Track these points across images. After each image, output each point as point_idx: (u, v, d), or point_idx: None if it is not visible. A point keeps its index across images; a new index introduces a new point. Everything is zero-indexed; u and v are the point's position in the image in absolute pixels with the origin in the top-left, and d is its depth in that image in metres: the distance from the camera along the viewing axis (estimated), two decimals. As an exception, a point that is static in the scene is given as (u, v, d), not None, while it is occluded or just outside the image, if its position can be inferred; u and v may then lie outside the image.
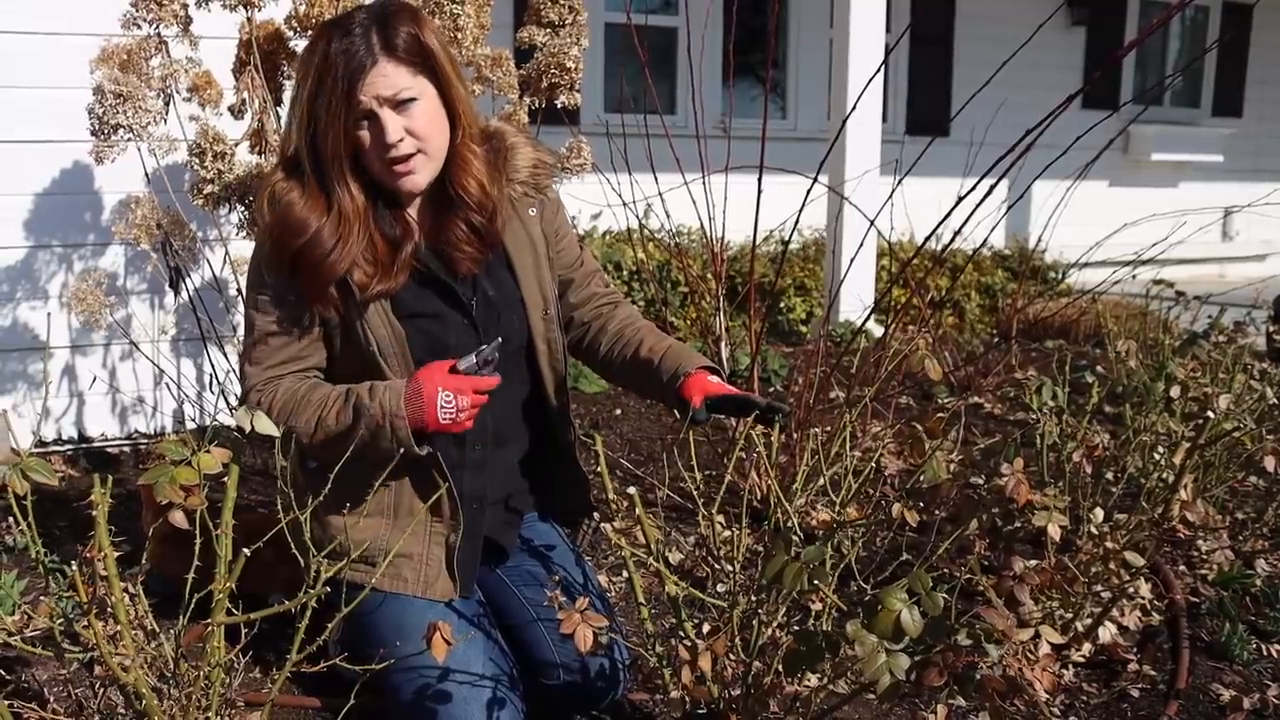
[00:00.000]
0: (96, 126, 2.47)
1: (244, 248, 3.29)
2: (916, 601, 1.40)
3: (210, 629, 1.43)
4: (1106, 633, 2.35)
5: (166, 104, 2.61)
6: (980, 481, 2.85)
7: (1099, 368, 2.88)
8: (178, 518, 1.34)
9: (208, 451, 1.50)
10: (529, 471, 2.07)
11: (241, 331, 3.44)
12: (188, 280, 2.94)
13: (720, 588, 1.83)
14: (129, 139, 2.52)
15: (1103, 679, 2.27)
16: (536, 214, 1.99)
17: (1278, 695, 2.19)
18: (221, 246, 3.13)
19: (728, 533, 1.81)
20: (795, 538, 1.75)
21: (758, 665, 1.72)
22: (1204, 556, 2.81)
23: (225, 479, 1.57)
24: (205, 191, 2.47)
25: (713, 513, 1.82)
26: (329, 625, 1.65)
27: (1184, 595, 2.59)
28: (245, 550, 1.42)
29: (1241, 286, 4.63)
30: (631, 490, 1.61)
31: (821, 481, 3.15)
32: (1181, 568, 2.76)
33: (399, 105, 1.76)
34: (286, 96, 2.81)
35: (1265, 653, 2.36)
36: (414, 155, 1.79)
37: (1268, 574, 2.74)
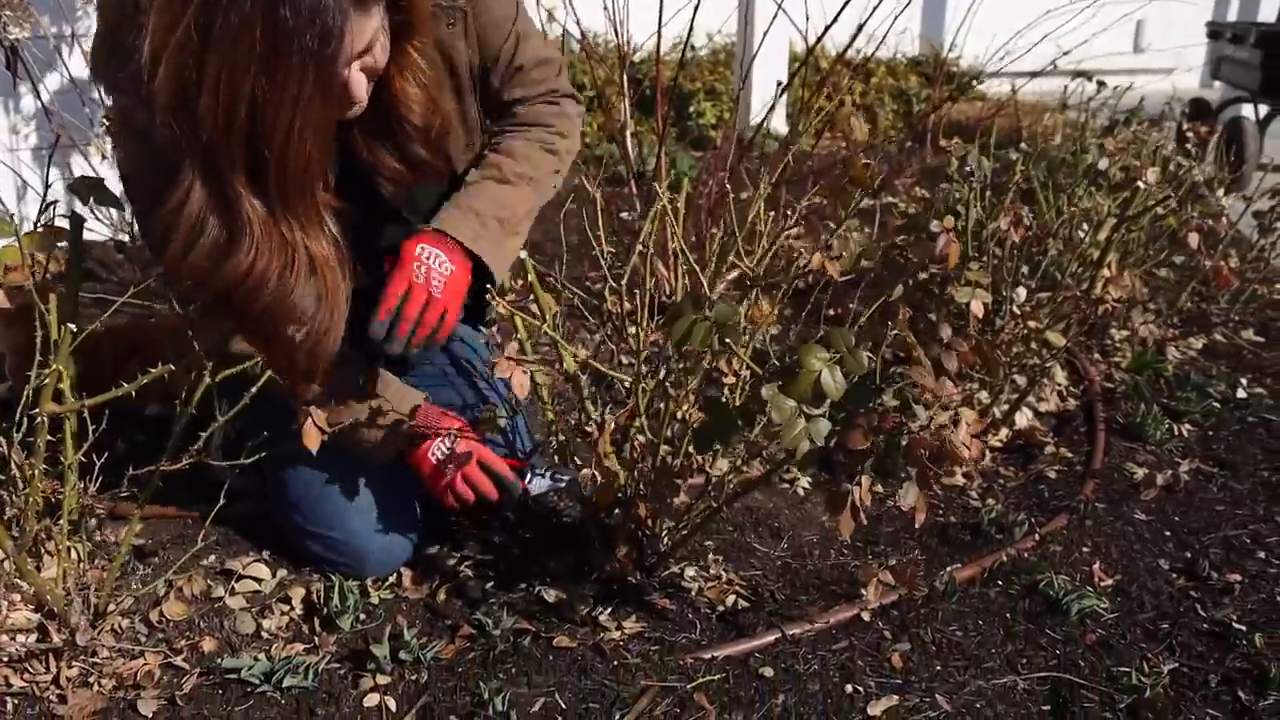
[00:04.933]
0: None
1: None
2: (838, 361, 1.28)
3: (41, 420, 1.24)
4: (1023, 418, 2.31)
5: None
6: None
7: (1023, 145, 2.76)
8: (-2, 297, 1.14)
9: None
10: None
11: (110, 143, 3.14)
12: (42, 86, 2.62)
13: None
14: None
15: (1020, 463, 2.23)
16: (459, 28, 1.54)
17: (1188, 472, 2.17)
18: (76, 44, 2.80)
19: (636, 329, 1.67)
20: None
21: (665, 450, 1.61)
22: (1117, 345, 2.78)
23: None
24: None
25: (620, 285, 1.66)
26: (205, 433, 1.46)
27: (1100, 379, 2.55)
28: (69, 326, 1.22)
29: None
30: (523, 255, 1.44)
31: (734, 275, 3.04)
32: (1096, 356, 2.72)
33: (362, 54, 1.29)
34: None
35: (1176, 432, 2.34)
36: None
37: (1178, 359, 2.73)
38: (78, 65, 2.93)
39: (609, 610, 1.65)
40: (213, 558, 1.64)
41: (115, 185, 2.99)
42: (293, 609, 1.62)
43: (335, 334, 1.41)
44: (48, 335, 1.31)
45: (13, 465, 1.27)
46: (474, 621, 1.59)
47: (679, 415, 1.62)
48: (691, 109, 4.97)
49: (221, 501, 1.56)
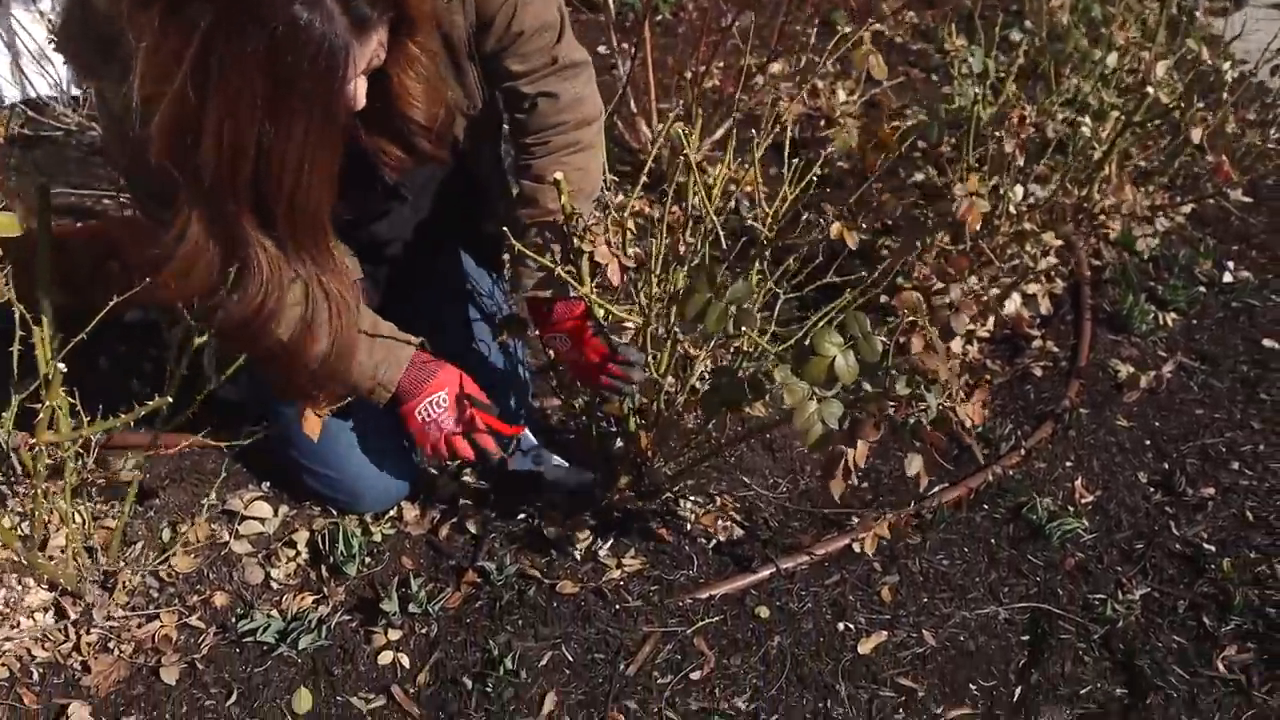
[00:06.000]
0: None
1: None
2: (852, 345, 1.27)
3: (40, 449, 1.21)
4: (1012, 305, 2.30)
5: None
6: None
7: (1028, 23, 2.63)
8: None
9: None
10: (447, 214, 1.79)
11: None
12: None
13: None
14: None
15: (1007, 356, 2.25)
16: (456, 2, 1.43)
17: (1171, 370, 2.20)
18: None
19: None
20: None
21: (670, 381, 1.60)
22: (1106, 213, 2.75)
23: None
24: None
25: (624, 214, 1.62)
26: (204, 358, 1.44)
27: (1087, 255, 2.53)
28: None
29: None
30: (559, 175, 1.40)
31: (720, 134, 2.95)
32: (1084, 228, 2.69)
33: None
34: None
35: (1161, 322, 2.36)
36: None
37: (1165, 229, 2.69)
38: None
39: (608, 544, 1.69)
40: (212, 494, 1.65)
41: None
42: (299, 554, 1.65)
43: (350, 361, 1.40)
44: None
45: (14, 459, 1.24)
46: (478, 567, 1.63)
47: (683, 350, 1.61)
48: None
49: (241, 441, 1.53)
